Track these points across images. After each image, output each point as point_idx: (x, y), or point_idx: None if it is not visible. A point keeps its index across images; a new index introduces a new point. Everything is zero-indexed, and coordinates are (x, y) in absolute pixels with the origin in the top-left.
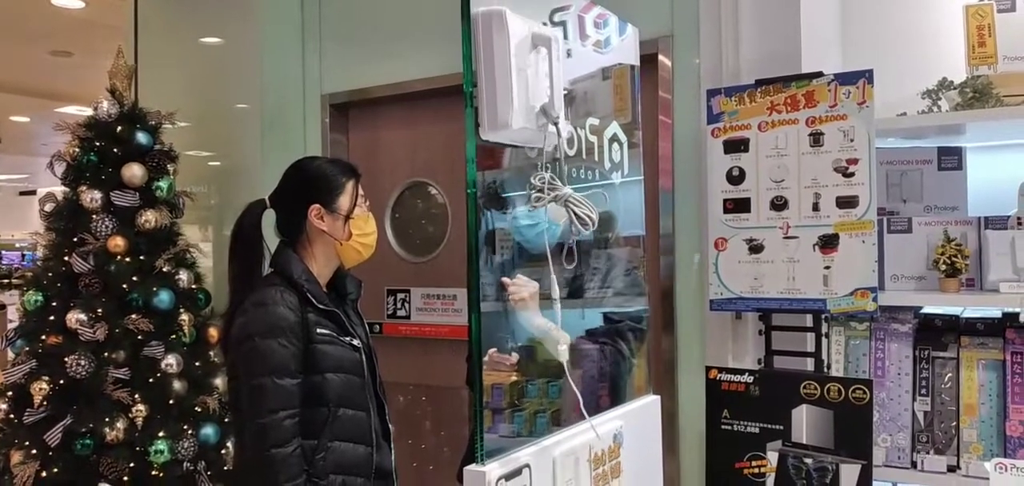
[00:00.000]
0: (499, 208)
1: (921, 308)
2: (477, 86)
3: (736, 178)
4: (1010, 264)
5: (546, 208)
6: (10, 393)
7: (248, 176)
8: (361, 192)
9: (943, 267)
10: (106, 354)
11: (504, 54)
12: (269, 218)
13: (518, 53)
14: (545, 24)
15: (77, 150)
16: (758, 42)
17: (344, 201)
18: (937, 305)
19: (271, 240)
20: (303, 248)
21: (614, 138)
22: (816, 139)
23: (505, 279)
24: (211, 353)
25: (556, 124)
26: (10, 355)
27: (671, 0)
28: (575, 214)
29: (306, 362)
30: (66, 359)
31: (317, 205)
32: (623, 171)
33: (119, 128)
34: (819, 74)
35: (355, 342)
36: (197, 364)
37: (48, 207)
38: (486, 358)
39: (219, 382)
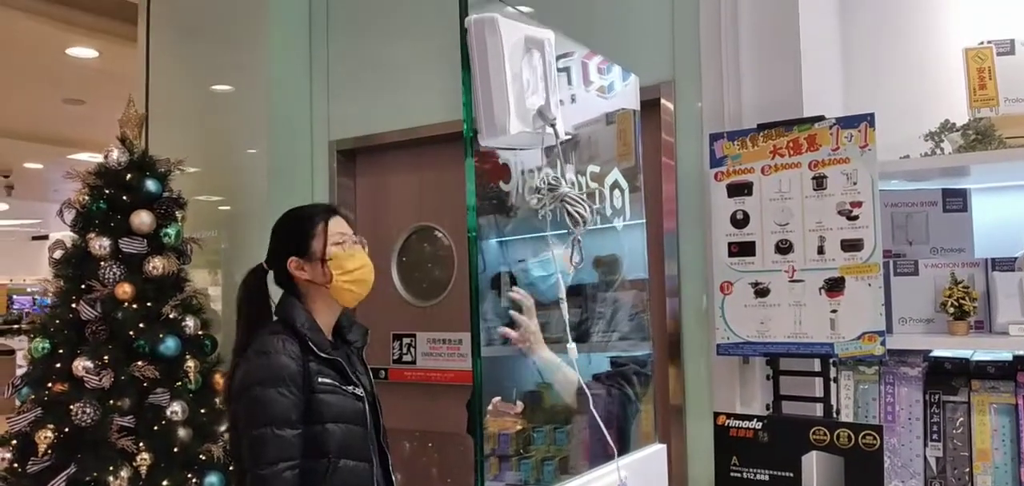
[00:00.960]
0: (503, 214)
1: (930, 351)
2: (473, 95)
3: (740, 221)
4: (1019, 306)
5: (554, 255)
6: (14, 442)
7: (256, 220)
8: (340, 229)
9: (951, 310)
10: (111, 401)
11: (498, 59)
12: None
13: (512, 57)
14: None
15: (87, 198)
16: (759, 86)
17: (317, 245)
18: (946, 348)
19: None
20: (302, 298)
21: (615, 184)
22: (819, 182)
23: (503, 330)
24: (217, 400)
25: (553, 125)
26: (16, 403)
27: (672, 46)
28: (568, 213)
29: (307, 412)
30: (71, 407)
31: (293, 257)
32: (625, 216)
33: (129, 176)
34: (821, 118)
35: (358, 391)
36: (202, 411)
37: (57, 254)
38: (490, 407)
39: (224, 429)
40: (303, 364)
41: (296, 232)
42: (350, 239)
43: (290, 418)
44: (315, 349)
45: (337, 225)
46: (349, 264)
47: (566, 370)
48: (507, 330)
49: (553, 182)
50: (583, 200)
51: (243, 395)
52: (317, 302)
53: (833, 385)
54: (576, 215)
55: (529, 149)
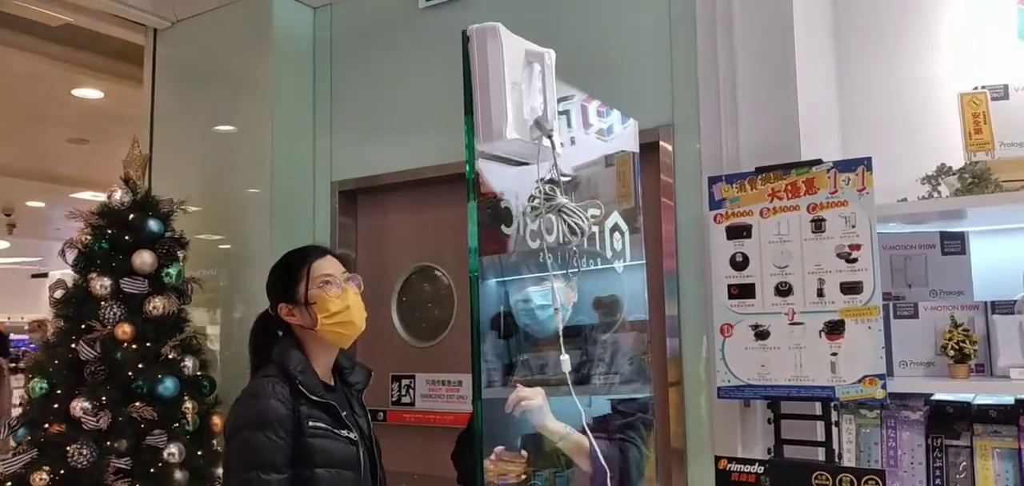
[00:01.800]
0: (503, 223)
1: (932, 395)
2: (472, 101)
3: (740, 264)
4: (1019, 350)
5: (553, 288)
6: (9, 484)
7: (257, 260)
8: (326, 271)
9: (951, 353)
10: (108, 442)
11: (498, 66)
12: None
13: (512, 67)
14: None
15: (89, 238)
16: (757, 130)
17: (300, 289)
18: (947, 392)
19: None
20: (299, 340)
21: (615, 227)
22: (818, 225)
23: (510, 401)
24: (214, 441)
25: (550, 136)
26: (12, 444)
27: (671, 90)
28: (566, 223)
29: (296, 456)
30: (68, 448)
31: (283, 303)
32: (625, 258)
33: (131, 216)
34: (818, 161)
35: (351, 435)
36: (199, 453)
37: (58, 294)
38: (492, 456)
39: (221, 472)
40: (293, 408)
41: (283, 277)
42: (338, 280)
43: (276, 462)
44: (306, 392)
45: (323, 267)
46: (332, 306)
47: (574, 436)
48: (514, 398)
49: (549, 192)
50: (581, 211)
51: (232, 438)
52: (312, 344)
53: (835, 429)
54: (574, 225)
55: (525, 162)
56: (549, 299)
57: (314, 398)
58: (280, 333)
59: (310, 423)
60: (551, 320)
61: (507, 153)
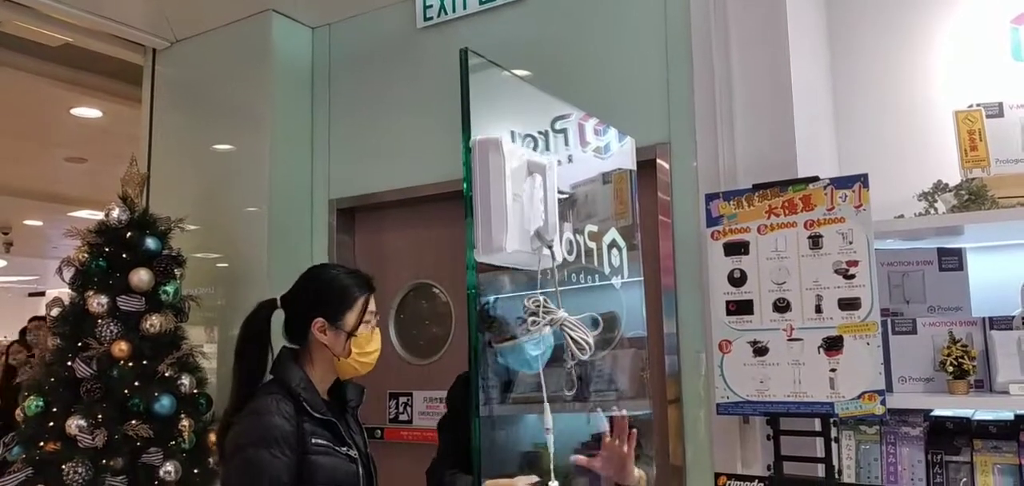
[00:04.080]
0: (502, 272)
1: (931, 411)
2: (473, 210)
3: (738, 280)
4: (1018, 365)
5: (543, 331)
6: None
7: (254, 277)
8: (371, 308)
9: (950, 368)
10: (104, 461)
11: (500, 179)
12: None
13: (514, 178)
14: (539, 150)
15: (86, 256)
16: (753, 147)
17: (350, 318)
18: (947, 407)
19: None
20: (304, 354)
21: (613, 243)
22: (815, 242)
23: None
24: (211, 459)
25: (550, 248)
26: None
27: (667, 108)
28: (571, 339)
29: (299, 473)
30: (63, 466)
31: (321, 319)
32: (623, 274)
33: (129, 234)
34: (815, 178)
35: (351, 453)
36: (195, 471)
37: (54, 312)
38: None
39: None
40: (297, 425)
41: (334, 297)
42: (375, 320)
43: (281, 480)
44: (309, 409)
45: (372, 303)
46: (368, 346)
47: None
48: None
49: (547, 306)
50: (581, 325)
51: (235, 456)
52: (321, 365)
53: (834, 445)
54: (581, 341)
55: (525, 268)
56: (540, 345)
57: (317, 415)
58: (285, 345)
59: (313, 440)
60: (540, 361)
61: (506, 262)
